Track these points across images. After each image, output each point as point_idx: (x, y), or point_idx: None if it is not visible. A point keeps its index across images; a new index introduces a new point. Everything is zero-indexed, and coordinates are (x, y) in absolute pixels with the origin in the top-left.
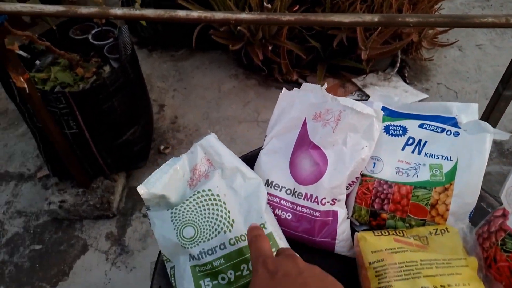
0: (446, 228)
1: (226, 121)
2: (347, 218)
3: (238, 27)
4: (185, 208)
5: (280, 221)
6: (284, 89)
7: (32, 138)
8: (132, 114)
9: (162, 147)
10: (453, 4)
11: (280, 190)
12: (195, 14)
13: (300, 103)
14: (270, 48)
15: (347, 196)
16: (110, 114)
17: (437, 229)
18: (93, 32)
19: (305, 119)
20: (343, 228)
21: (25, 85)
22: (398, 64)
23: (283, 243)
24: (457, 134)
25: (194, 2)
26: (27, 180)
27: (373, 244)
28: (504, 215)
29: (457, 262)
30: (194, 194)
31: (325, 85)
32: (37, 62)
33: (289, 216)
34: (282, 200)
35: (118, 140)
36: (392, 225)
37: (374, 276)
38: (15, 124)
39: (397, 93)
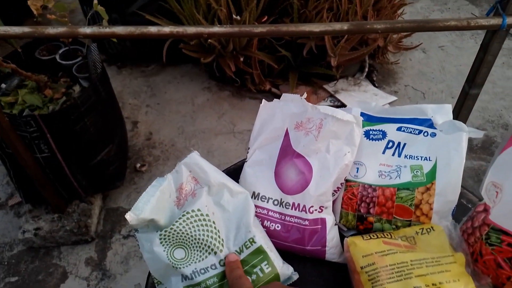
0: (432, 227)
1: (202, 134)
2: (335, 224)
3: (209, 40)
4: (175, 230)
5: (270, 233)
6: (264, 100)
7: (0, 164)
8: (106, 133)
9: (138, 165)
10: (414, 8)
11: (267, 202)
12: (166, 29)
13: (281, 113)
14: (241, 59)
15: (334, 202)
16: (83, 135)
17: (423, 229)
18: (60, 51)
19: (287, 129)
20: (332, 234)
21: None
22: (366, 69)
23: (273, 254)
24: (433, 135)
25: (162, 17)
26: None
27: (363, 248)
28: (486, 210)
29: (445, 260)
30: (183, 215)
31: (305, 95)
32: (3, 85)
33: (278, 227)
34: (270, 212)
35: (93, 160)
36: (379, 228)
37: (367, 280)
38: None
39: (367, 96)
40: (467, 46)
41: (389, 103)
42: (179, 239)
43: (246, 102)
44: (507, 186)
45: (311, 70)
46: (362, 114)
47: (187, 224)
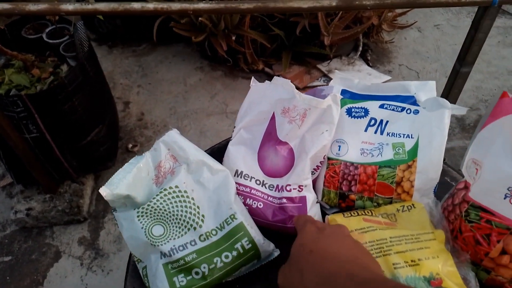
0: (413, 204)
1: (195, 114)
2: (317, 202)
3: (200, 18)
4: (152, 207)
5: (252, 211)
6: (253, 80)
7: None
8: (95, 113)
9: (130, 145)
10: None
11: (250, 180)
12: (150, 6)
13: (270, 96)
14: (233, 38)
15: (316, 180)
16: (72, 115)
17: (404, 206)
18: (47, 30)
19: (273, 113)
20: (313, 212)
21: None
22: (360, 48)
23: (254, 231)
24: (416, 112)
25: None
26: None
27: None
28: (466, 187)
29: (425, 236)
30: (161, 192)
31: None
32: None
33: (260, 205)
34: (252, 190)
35: (83, 141)
36: (361, 205)
37: None
38: None
39: (361, 76)
40: (463, 24)
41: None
42: (157, 215)
43: (239, 82)
44: (487, 163)
45: (304, 50)
46: (345, 92)
47: (164, 201)
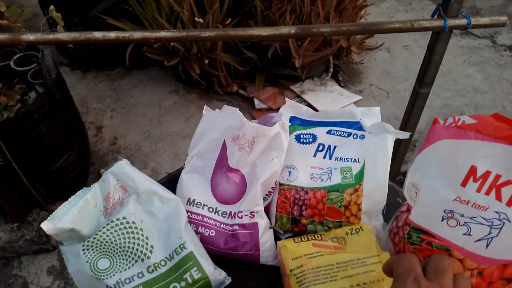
0: (361, 227)
1: (169, 137)
2: (270, 227)
3: (172, 43)
4: (98, 240)
5: (204, 239)
6: (206, 108)
7: None
8: (64, 140)
9: (102, 170)
10: (380, 8)
11: (203, 208)
12: (112, 35)
13: (220, 124)
14: (206, 61)
15: (269, 206)
16: (39, 142)
17: (352, 229)
18: (14, 58)
19: (224, 141)
20: (265, 238)
21: None
22: (331, 69)
23: (204, 260)
24: (363, 137)
25: (126, 20)
26: None
27: (293, 251)
28: (408, 209)
29: (371, 260)
30: (107, 224)
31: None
32: None
33: (212, 233)
34: (205, 218)
35: (51, 168)
36: (312, 229)
37: (295, 283)
38: None
39: (333, 96)
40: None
41: (354, 103)
42: (104, 248)
43: (214, 104)
44: (423, 186)
45: (277, 72)
46: (294, 118)
47: (111, 233)
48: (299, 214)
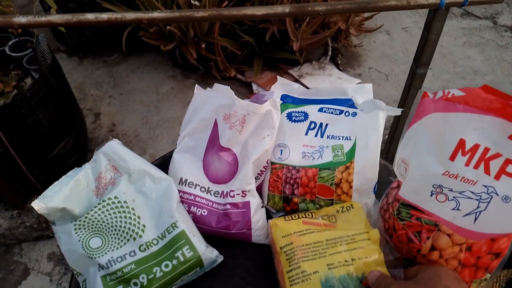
0: (351, 205)
1: (167, 123)
2: (262, 206)
3: (168, 27)
4: (89, 219)
5: (196, 218)
6: (197, 87)
7: None
8: (61, 126)
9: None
10: None
11: (195, 188)
12: (104, 16)
13: (211, 103)
14: (203, 46)
15: (261, 185)
16: (36, 128)
17: (343, 207)
18: (10, 43)
19: (215, 120)
20: (257, 217)
21: None
22: (330, 53)
23: (196, 239)
24: (354, 114)
25: (121, 4)
26: None
27: (283, 229)
28: (398, 186)
29: (360, 237)
30: (99, 203)
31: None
32: None
33: (204, 212)
34: (197, 197)
35: (49, 154)
36: (304, 208)
37: (285, 260)
38: None
39: (331, 80)
40: None
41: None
42: (96, 227)
43: None
44: (413, 162)
45: (275, 55)
46: (285, 97)
47: (103, 212)
48: (291, 192)
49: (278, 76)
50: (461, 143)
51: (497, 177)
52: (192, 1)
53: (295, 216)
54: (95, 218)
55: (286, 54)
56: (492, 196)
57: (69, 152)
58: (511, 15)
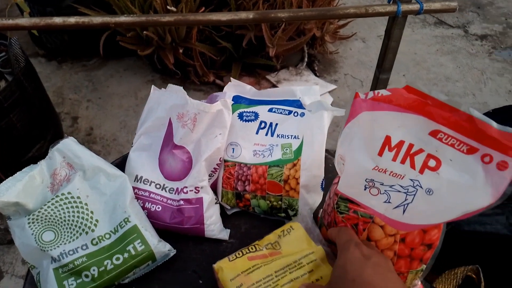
0: (291, 226)
1: None
2: (216, 203)
3: (145, 32)
4: (43, 213)
5: (151, 214)
6: (153, 87)
7: None
8: (36, 129)
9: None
10: None
11: (150, 185)
12: (72, 20)
13: (166, 103)
14: (181, 51)
15: (215, 182)
16: (10, 131)
17: (283, 230)
18: None
19: (170, 119)
20: (210, 212)
21: None
22: (306, 59)
23: (148, 233)
24: (303, 114)
25: (99, 9)
26: None
27: (230, 271)
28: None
29: (306, 259)
30: (53, 199)
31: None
32: None
33: (158, 208)
34: (152, 194)
35: (23, 157)
36: (256, 204)
37: None
38: None
39: (308, 86)
40: (404, 34)
41: (329, 92)
42: (49, 222)
43: (190, 94)
44: (348, 158)
45: (253, 61)
46: (238, 97)
47: (56, 207)
48: (242, 189)
49: (231, 78)
50: (388, 140)
51: (421, 171)
52: (169, 7)
53: (239, 254)
54: (48, 213)
55: (264, 60)
56: (417, 189)
57: (44, 155)
58: (481, 25)
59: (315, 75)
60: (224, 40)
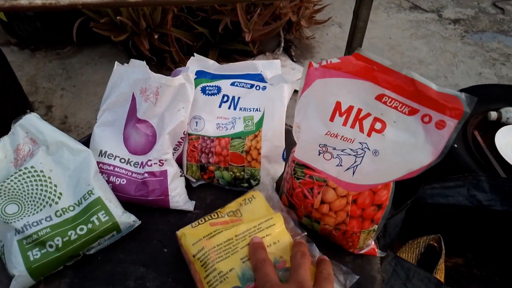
0: (253, 195)
1: None
2: (181, 175)
3: (118, 17)
4: (6, 187)
5: (116, 187)
6: (116, 63)
7: None
8: (6, 119)
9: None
10: None
11: (114, 159)
12: (38, 1)
13: (128, 78)
14: (156, 37)
15: (181, 156)
16: None
17: (245, 199)
18: None
19: (133, 94)
20: (175, 185)
21: None
22: (282, 44)
23: (113, 205)
24: (264, 88)
25: None
26: None
27: (192, 236)
28: None
29: (265, 224)
30: (16, 173)
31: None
32: None
33: (123, 181)
34: (116, 168)
35: None
36: (219, 175)
37: (200, 267)
38: None
39: (285, 71)
40: (380, 19)
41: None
42: (12, 195)
43: None
44: (303, 125)
45: (230, 47)
46: (200, 72)
47: (19, 181)
48: (206, 161)
49: (194, 53)
50: (338, 105)
51: (369, 134)
52: None
53: (201, 221)
54: (12, 186)
55: (240, 46)
56: (365, 151)
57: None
58: (454, 9)
59: (292, 60)
60: (200, 25)
